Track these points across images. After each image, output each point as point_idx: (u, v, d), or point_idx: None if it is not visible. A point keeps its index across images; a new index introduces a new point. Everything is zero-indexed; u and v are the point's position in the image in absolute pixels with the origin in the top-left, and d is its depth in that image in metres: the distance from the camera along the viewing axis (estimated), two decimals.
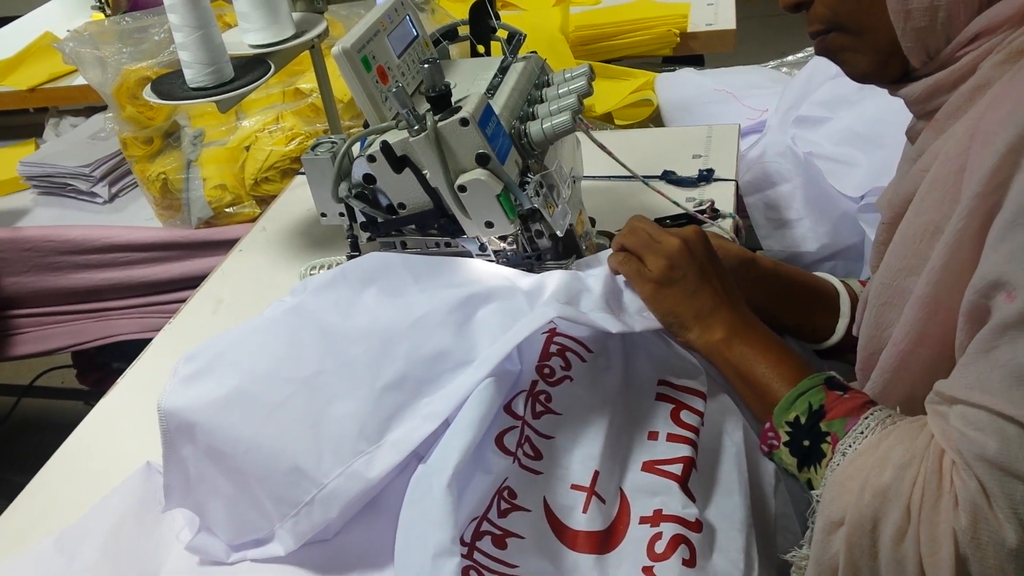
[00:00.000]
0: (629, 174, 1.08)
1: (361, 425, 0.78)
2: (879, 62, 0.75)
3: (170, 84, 1.23)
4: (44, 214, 1.91)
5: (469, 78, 1.01)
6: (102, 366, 2.18)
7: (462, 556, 0.69)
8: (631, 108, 1.81)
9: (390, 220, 0.95)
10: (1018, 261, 0.59)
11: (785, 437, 0.73)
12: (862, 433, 0.68)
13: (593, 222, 1.14)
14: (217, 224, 1.72)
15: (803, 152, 1.47)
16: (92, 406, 1.11)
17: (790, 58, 1.91)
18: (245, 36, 1.29)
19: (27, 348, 1.95)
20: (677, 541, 0.73)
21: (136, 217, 1.83)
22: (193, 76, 1.19)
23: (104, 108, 2.02)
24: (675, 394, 0.84)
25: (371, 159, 0.90)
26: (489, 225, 0.90)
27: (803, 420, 0.72)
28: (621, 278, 0.88)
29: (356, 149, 0.95)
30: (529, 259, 0.97)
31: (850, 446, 0.68)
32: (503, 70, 1.01)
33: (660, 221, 1.22)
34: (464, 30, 1.08)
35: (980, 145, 0.65)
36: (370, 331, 0.82)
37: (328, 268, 1.19)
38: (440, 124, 0.85)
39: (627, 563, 0.74)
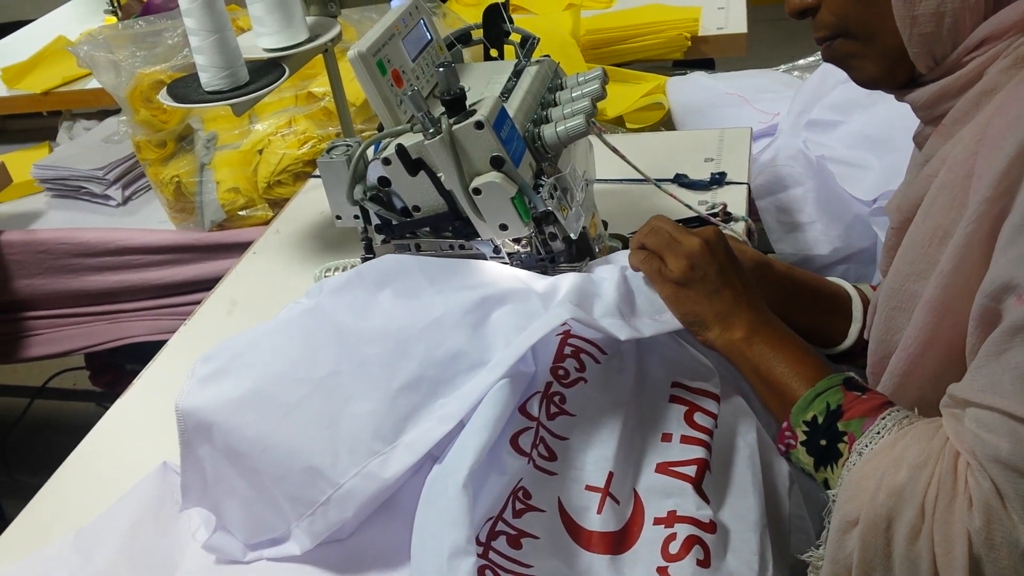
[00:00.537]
0: (641, 177, 1.08)
1: (376, 425, 0.79)
2: (886, 68, 0.76)
3: (185, 87, 1.24)
4: (58, 217, 1.92)
5: (483, 82, 1.01)
6: (115, 368, 2.19)
7: (478, 556, 0.69)
8: (642, 112, 1.81)
9: (405, 222, 0.96)
10: None
11: (802, 436, 0.74)
12: (878, 433, 0.68)
13: (606, 225, 1.14)
14: (230, 227, 1.73)
15: (815, 155, 1.47)
16: (105, 408, 1.11)
17: (801, 62, 1.91)
18: (259, 40, 1.29)
19: (40, 350, 1.96)
20: (691, 542, 0.74)
21: (149, 220, 1.84)
22: (208, 80, 1.19)
23: (117, 111, 2.03)
24: (689, 396, 0.85)
25: (386, 162, 0.91)
26: (503, 227, 0.90)
27: (820, 420, 0.73)
28: (634, 278, 0.88)
29: (371, 152, 0.95)
30: (543, 261, 0.97)
31: (866, 446, 0.68)
32: (517, 74, 1.01)
33: None
34: (478, 34, 1.09)
35: (988, 150, 0.65)
36: (385, 332, 0.83)
37: (343, 270, 1.20)
38: (455, 127, 0.85)
39: (641, 563, 0.75)
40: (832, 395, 0.73)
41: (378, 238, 1.01)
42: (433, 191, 0.92)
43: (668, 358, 0.88)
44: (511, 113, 0.90)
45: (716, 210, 1.22)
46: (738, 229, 1.20)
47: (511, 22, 1.07)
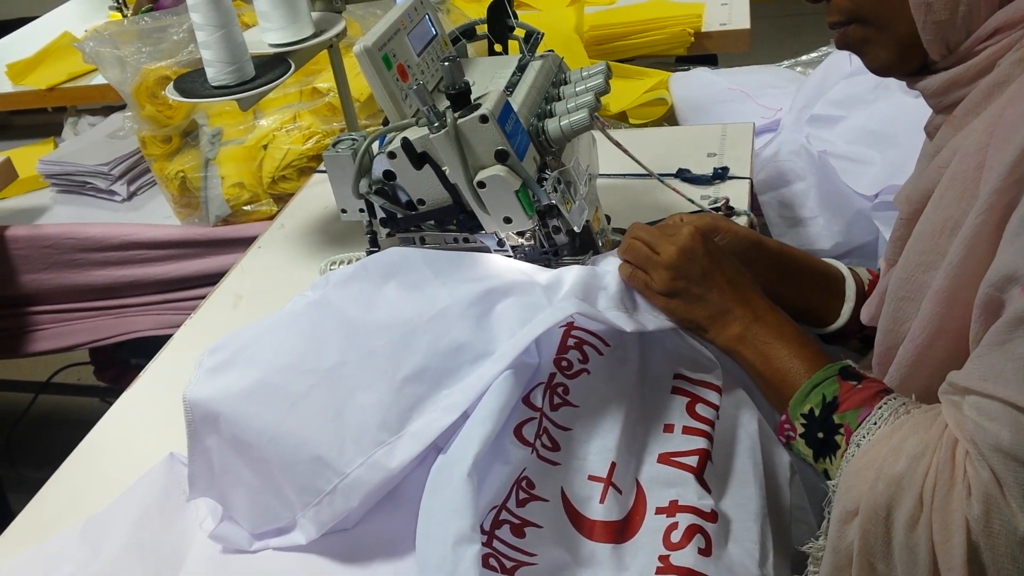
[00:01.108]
0: (644, 172, 1.09)
1: (382, 416, 0.80)
2: (898, 55, 0.76)
3: (192, 82, 1.24)
4: (63, 212, 1.93)
5: (487, 76, 1.02)
6: (120, 362, 2.19)
7: (482, 544, 0.70)
8: (645, 107, 1.81)
9: (410, 216, 0.97)
10: None
11: (801, 429, 0.75)
12: (875, 424, 0.69)
13: (609, 219, 1.15)
14: (235, 222, 1.74)
15: (817, 151, 1.48)
16: (109, 403, 1.12)
17: (804, 57, 1.92)
18: (265, 35, 1.30)
19: (45, 344, 1.97)
20: (693, 531, 0.74)
21: (154, 215, 1.85)
22: (215, 74, 1.20)
23: (122, 107, 2.04)
24: (691, 387, 0.85)
25: (391, 156, 0.92)
26: (507, 221, 0.91)
27: (817, 412, 0.74)
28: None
29: (376, 146, 0.96)
30: (546, 255, 0.98)
31: (864, 437, 0.69)
32: (521, 68, 1.02)
33: None
34: (482, 29, 1.10)
35: (999, 142, 0.65)
36: (391, 324, 0.84)
37: (348, 263, 1.21)
38: (460, 121, 0.86)
39: (644, 552, 0.75)
40: (828, 387, 0.74)
41: (383, 231, 1.02)
42: (438, 185, 0.92)
43: (670, 350, 0.88)
44: (515, 107, 0.91)
45: (719, 204, 1.22)
46: (740, 223, 1.20)
47: (515, 17, 1.07)
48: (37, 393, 2.39)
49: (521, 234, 0.96)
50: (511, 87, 0.98)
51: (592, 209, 1.02)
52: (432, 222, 0.97)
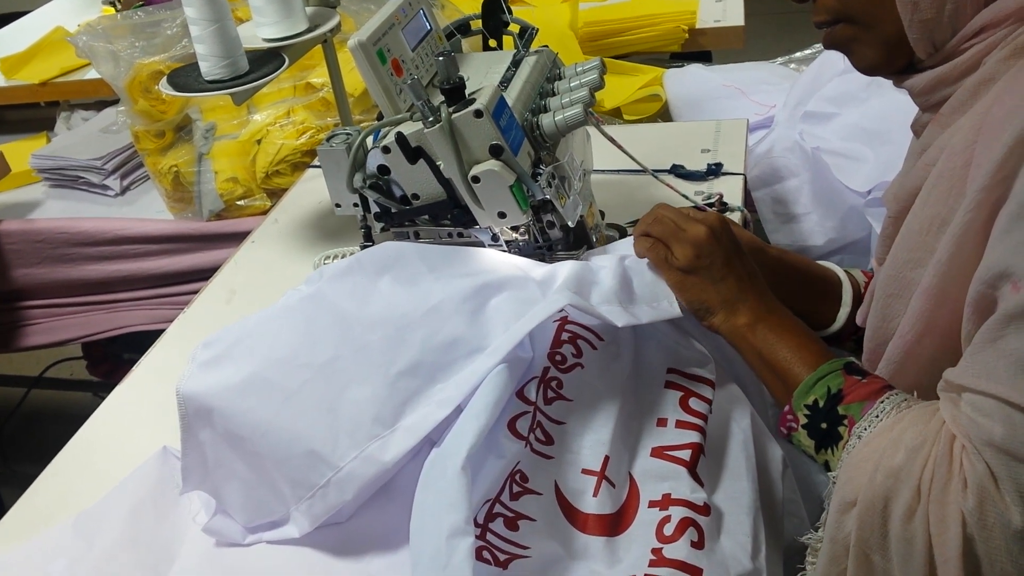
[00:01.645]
0: (638, 168, 1.09)
1: (376, 410, 0.80)
2: (886, 54, 0.76)
3: (186, 77, 1.24)
4: (56, 206, 1.92)
5: (481, 71, 1.02)
6: (112, 357, 2.19)
7: (475, 537, 0.70)
8: (639, 103, 1.82)
9: (404, 210, 0.97)
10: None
11: (804, 420, 0.75)
12: (877, 416, 0.69)
13: (603, 215, 1.15)
14: (228, 217, 1.73)
15: (811, 147, 1.48)
16: (102, 398, 1.12)
17: (798, 54, 1.92)
18: (259, 30, 1.30)
19: (38, 339, 1.96)
20: (685, 524, 0.75)
21: (148, 210, 1.84)
22: (209, 69, 1.20)
23: (115, 102, 2.04)
24: (684, 382, 0.86)
25: (386, 150, 0.92)
26: (502, 216, 0.91)
27: (821, 403, 0.74)
28: (633, 267, 0.89)
29: (370, 140, 0.96)
30: (541, 249, 0.98)
31: (865, 429, 0.69)
32: (516, 63, 1.02)
33: None
34: (476, 24, 1.10)
35: (986, 139, 0.66)
36: (385, 318, 0.84)
37: (342, 258, 1.20)
38: (454, 116, 0.86)
39: (636, 545, 0.76)
40: (833, 379, 0.74)
41: (377, 226, 1.02)
42: (432, 179, 0.92)
43: (664, 345, 0.89)
44: (510, 102, 0.91)
45: (712, 200, 1.23)
46: (734, 219, 1.21)
47: (509, 13, 1.08)
48: (29, 388, 2.39)
49: (515, 229, 0.96)
50: (506, 82, 0.98)
51: (586, 204, 1.02)
52: (426, 217, 0.97)
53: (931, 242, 0.72)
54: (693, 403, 0.84)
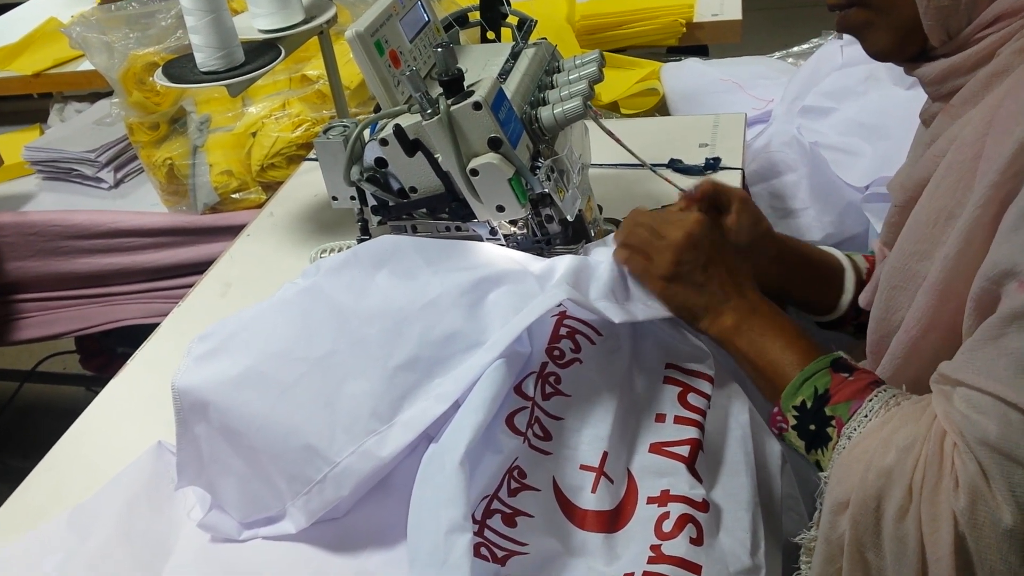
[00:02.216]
0: (636, 162, 1.08)
1: (373, 405, 0.79)
2: (899, 39, 0.76)
3: (181, 68, 1.23)
4: (49, 199, 1.91)
5: (480, 63, 1.01)
6: (106, 351, 2.18)
7: (473, 533, 0.70)
8: (637, 97, 1.81)
9: (401, 204, 0.96)
10: None
11: (793, 421, 0.75)
12: (866, 416, 0.69)
13: (601, 209, 1.14)
14: (223, 210, 1.72)
15: (808, 142, 1.48)
16: (95, 392, 1.11)
17: (795, 49, 1.91)
18: (255, 21, 1.29)
19: (31, 332, 1.95)
20: (684, 520, 0.74)
21: (142, 202, 1.83)
22: (204, 60, 1.19)
23: (109, 94, 2.01)
24: (682, 377, 0.85)
25: (383, 143, 0.91)
26: (500, 209, 0.90)
27: (809, 405, 0.74)
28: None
29: (368, 133, 0.95)
30: (539, 243, 0.98)
31: (855, 430, 0.69)
32: (514, 56, 1.01)
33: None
34: (475, 16, 1.09)
35: (998, 134, 0.65)
36: (383, 312, 0.83)
37: (339, 251, 1.20)
38: (453, 108, 0.85)
39: (635, 541, 0.75)
40: (820, 379, 0.74)
41: (374, 219, 1.01)
42: (430, 172, 0.92)
43: (662, 340, 0.88)
44: (508, 95, 0.90)
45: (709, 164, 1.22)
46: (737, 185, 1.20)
47: (508, 5, 1.07)
48: (22, 382, 2.38)
49: (514, 223, 0.95)
50: (504, 74, 0.97)
51: (585, 198, 1.01)
52: (424, 210, 0.97)
53: (938, 234, 0.71)
54: (691, 398, 0.83)
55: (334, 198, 1.01)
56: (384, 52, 0.93)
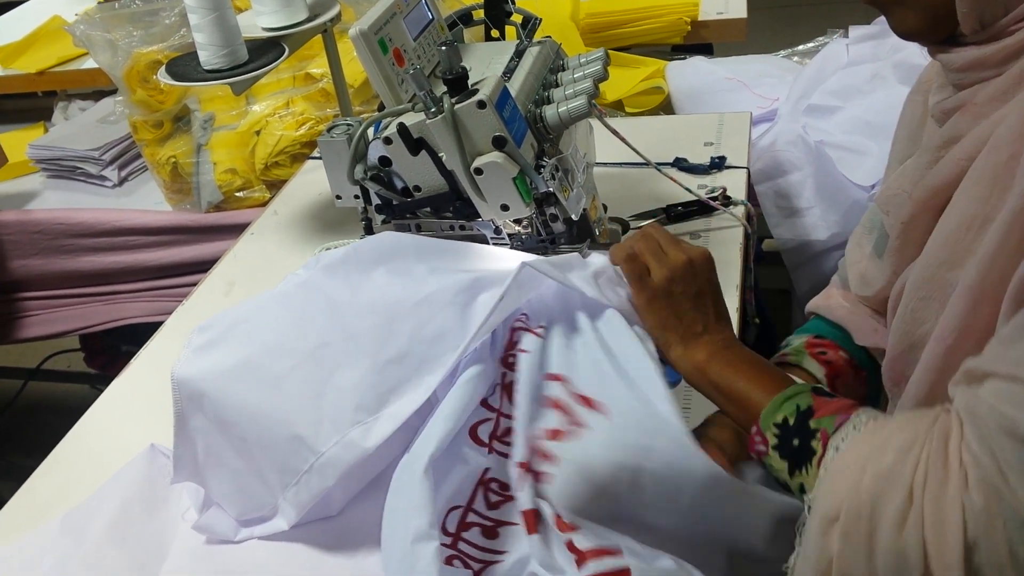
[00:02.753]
0: (641, 161, 1.08)
1: (360, 397, 0.79)
2: (928, 22, 0.71)
3: (184, 66, 1.23)
4: (53, 197, 1.91)
5: (484, 62, 1.01)
6: (110, 349, 2.18)
7: (446, 546, 0.70)
8: (642, 96, 1.80)
9: (405, 203, 0.96)
10: None
11: (773, 440, 0.70)
12: (855, 427, 0.65)
13: (605, 208, 1.14)
14: (227, 208, 1.72)
15: (814, 141, 1.47)
16: (99, 390, 1.11)
17: (801, 47, 1.91)
18: (259, 19, 1.29)
19: (35, 331, 1.95)
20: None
21: (145, 201, 1.83)
22: (208, 58, 1.19)
23: (113, 92, 2.02)
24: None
25: (387, 141, 0.91)
26: (504, 208, 0.90)
27: (792, 421, 0.70)
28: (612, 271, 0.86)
29: (372, 132, 0.95)
30: (543, 243, 0.97)
31: (843, 439, 0.64)
32: (519, 54, 1.01)
33: (672, 208, 1.23)
34: (479, 14, 1.08)
35: None
36: (377, 307, 0.82)
37: None
38: (457, 107, 0.85)
39: (553, 541, 0.72)
40: (802, 398, 0.70)
41: (378, 218, 1.01)
42: (434, 171, 0.91)
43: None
44: (513, 93, 0.90)
45: (716, 194, 1.22)
46: (738, 213, 1.20)
47: (512, 3, 1.06)
48: (27, 380, 2.38)
49: (518, 222, 0.95)
50: (509, 73, 0.97)
51: (589, 197, 1.01)
52: (428, 209, 0.96)
53: (971, 241, 0.67)
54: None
55: (338, 197, 1.01)
56: (388, 50, 0.93)
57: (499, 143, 0.86)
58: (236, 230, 1.51)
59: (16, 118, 2.32)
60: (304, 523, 0.84)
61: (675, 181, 1.18)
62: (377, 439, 0.78)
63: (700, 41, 1.97)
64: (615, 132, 1.04)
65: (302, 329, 0.83)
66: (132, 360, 1.15)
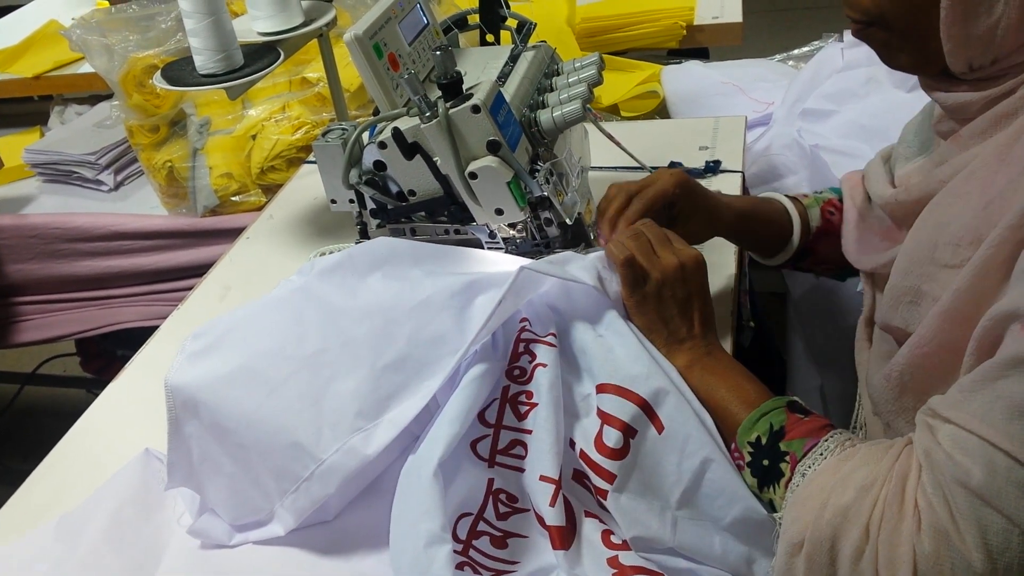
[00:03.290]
0: (637, 165, 1.08)
1: (360, 403, 0.79)
2: (919, 62, 0.74)
3: (180, 70, 1.23)
4: (49, 201, 1.91)
5: (479, 66, 1.01)
6: (106, 354, 2.18)
7: (458, 552, 0.69)
8: (637, 100, 1.81)
9: (400, 207, 0.96)
10: None
11: (748, 458, 0.74)
12: (822, 455, 0.68)
13: None
14: (223, 213, 1.72)
15: (809, 145, 1.47)
16: (95, 394, 1.11)
17: (796, 52, 1.91)
18: (254, 24, 1.29)
19: (31, 335, 1.95)
20: None
21: (142, 205, 1.83)
22: (203, 63, 1.19)
23: (109, 96, 2.02)
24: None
25: (382, 146, 0.91)
26: (499, 212, 0.90)
27: (764, 440, 0.73)
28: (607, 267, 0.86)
29: (366, 136, 0.95)
30: (538, 247, 0.97)
31: (810, 467, 0.67)
32: (513, 59, 1.01)
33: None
34: (474, 19, 1.09)
35: (1016, 175, 0.64)
36: (373, 312, 0.82)
37: None
38: (451, 111, 0.85)
39: (588, 558, 0.73)
40: (775, 416, 0.73)
41: (373, 222, 1.01)
42: (429, 175, 0.91)
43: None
44: (507, 98, 0.90)
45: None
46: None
47: (507, 7, 1.07)
48: (22, 384, 2.38)
49: (512, 226, 0.95)
50: (503, 77, 0.97)
51: (584, 202, 1.01)
52: (423, 213, 0.96)
53: (939, 257, 0.70)
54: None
55: (333, 201, 1.01)
56: (383, 55, 0.93)
57: (493, 147, 0.86)
58: (232, 234, 1.51)
59: (12, 122, 2.32)
60: (300, 527, 0.84)
61: None
62: (378, 446, 0.78)
63: (696, 45, 1.98)
64: (610, 136, 1.04)
65: (298, 335, 0.83)
66: (127, 364, 1.15)
